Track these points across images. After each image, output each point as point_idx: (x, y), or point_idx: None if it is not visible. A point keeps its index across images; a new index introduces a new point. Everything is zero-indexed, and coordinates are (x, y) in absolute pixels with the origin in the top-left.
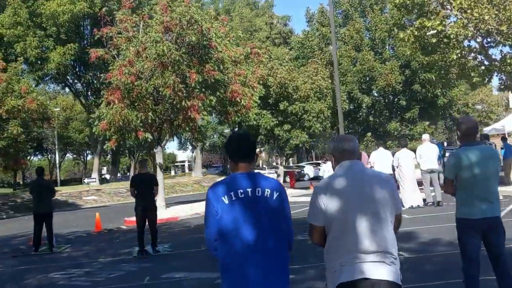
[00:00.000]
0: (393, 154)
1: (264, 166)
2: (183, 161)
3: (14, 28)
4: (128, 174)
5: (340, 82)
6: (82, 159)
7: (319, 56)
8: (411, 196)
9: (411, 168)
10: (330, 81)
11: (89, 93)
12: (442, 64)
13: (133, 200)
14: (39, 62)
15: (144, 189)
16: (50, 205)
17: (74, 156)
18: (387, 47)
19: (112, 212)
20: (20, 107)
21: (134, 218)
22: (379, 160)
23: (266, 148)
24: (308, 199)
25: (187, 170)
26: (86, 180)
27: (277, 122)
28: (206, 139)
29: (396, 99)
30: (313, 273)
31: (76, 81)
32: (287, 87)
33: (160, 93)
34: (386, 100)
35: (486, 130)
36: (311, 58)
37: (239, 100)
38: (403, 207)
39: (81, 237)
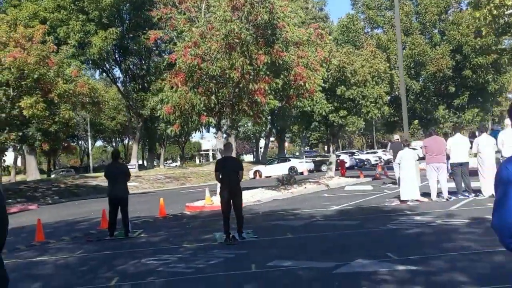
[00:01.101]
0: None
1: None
2: (207, 150)
3: (57, 12)
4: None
5: (389, 68)
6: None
7: (367, 41)
8: (491, 184)
9: (492, 155)
10: (388, 64)
11: (126, 79)
12: (497, 48)
13: (175, 186)
14: (81, 46)
15: (229, 174)
16: (126, 189)
17: (105, 143)
18: (436, 31)
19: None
20: (71, 91)
21: (196, 204)
22: (456, 146)
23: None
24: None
25: (211, 159)
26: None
27: (333, 107)
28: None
29: (444, 85)
30: None
31: (113, 67)
32: (345, 71)
33: (226, 76)
34: (435, 86)
35: None
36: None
37: (303, 84)
38: (483, 195)
39: (149, 222)
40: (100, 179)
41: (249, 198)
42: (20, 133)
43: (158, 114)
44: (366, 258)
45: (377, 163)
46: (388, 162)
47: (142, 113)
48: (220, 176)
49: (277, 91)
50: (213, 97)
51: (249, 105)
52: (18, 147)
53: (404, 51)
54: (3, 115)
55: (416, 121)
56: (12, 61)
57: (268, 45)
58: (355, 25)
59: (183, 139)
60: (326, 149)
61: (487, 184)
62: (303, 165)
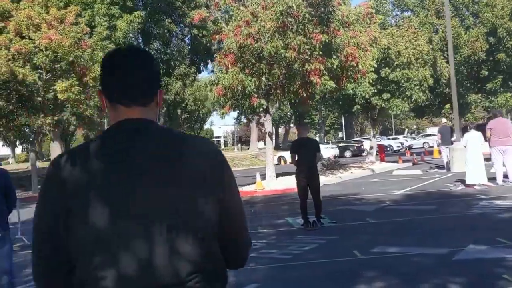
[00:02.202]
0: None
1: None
2: (219, 137)
3: None
4: None
5: (427, 52)
6: None
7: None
8: None
9: None
10: (431, 46)
11: None
12: None
13: None
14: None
15: (306, 155)
16: None
17: None
18: (469, 13)
19: None
20: None
21: (245, 189)
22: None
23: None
24: None
25: (222, 146)
26: None
27: (375, 90)
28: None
29: (477, 69)
30: None
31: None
32: (389, 53)
33: (281, 56)
34: (468, 70)
35: None
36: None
37: (355, 64)
38: None
39: None
40: None
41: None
42: (56, 117)
43: (209, 97)
44: (477, 244)
45: (399, 149)
46: (410, 147)
47: (166, 98)
48: (296, 158)
49: (328, 72)
50: (263, 78)
51: (302, 86)
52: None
53: (437, 34)
54: (39, 98)
55: (447, 106)
56: (48, 43)
57: (323, 23)
58: (383, 8)
59: (198, 125)
60: (340, 135)
61: None
62: (328, 151)
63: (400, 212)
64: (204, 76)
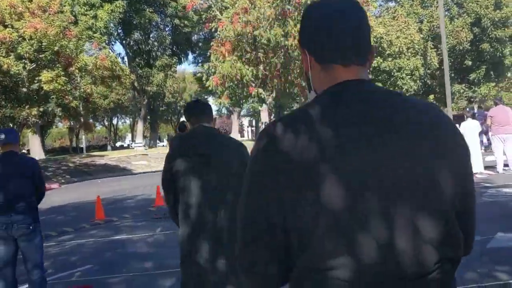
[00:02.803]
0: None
1: None
2: None
3: None
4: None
5: (418, 41)
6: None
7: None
8: None
9: None
10: (422, 35)
11: (129, 54)
12: None
13: None
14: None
15: None
16: None
17: (96, 122)
18: (453, 3)
19: None
20: (92, 64)
21: None
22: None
23: None
24: None
25: None
26: (133, 145)
27: None
28: None
29: (461, 59)
30: None
31: (114, 41)
32: (381, 42)
33: (279, 44)
34: (452, 60)
35: None
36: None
37: None
38: None
39: None
40: (107, 158)
41: None
42: (41, 109)
43: (206, 85)
44: (505, 232)
45: None
46: None
47: (148, 89)
48: None
49: None
50: (261, 66)
51: (301, 75)
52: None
53: (422, 24)
54: (24, 89)
55: (431, 96)
56: (33, 32)
57: None
58: None
59: (176, 118)
60: None
61: None
62: None
63: None
64: (184, 68)
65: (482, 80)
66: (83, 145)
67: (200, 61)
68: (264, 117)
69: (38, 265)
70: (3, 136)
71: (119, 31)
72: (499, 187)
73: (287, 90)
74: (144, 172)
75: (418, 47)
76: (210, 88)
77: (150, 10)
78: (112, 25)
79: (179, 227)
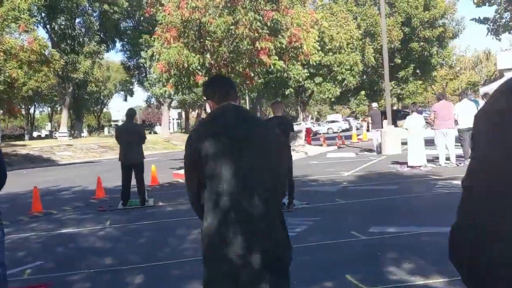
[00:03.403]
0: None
1: None
2: (117, 121)
3: None
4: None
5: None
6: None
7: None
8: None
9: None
10: (360, 32)
11: (54, 40)
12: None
13: (114, 156)
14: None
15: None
16: (141, 153)
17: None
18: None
19: (114, 168)
20: (19, 47)
21: (181, 171)
22: (464, 111)
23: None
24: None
25: None
26: (57, 135)
27: (308, 74)
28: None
29: (390, 57)
30: None
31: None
32: (323, 37)
33: (229, 32)
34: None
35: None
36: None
37: (299, 46)
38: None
39: (148, 191)
40: (29, 148)
41: None
42: None
43: (152, 72)
44: None
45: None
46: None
47: (73, 76)
48: None
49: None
50: (208, 55)
51: (250, 65)
52: None
53: (355, 21)
54: None
55: (363, 92)
56: None
57: (272, 1)
58: None
59: (100, 108)
60: None
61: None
62: None
63: (365, 192)
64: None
65: (410, 78)
66: None
67: (128, 49)
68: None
69: (1, 262)
70: None
71: (43, 14)
72: (447, 180)
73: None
74: (70, 163)
75: (357, 43)
76: (155, 74)
77: None
78: (36, 7)
79: (204, 217)
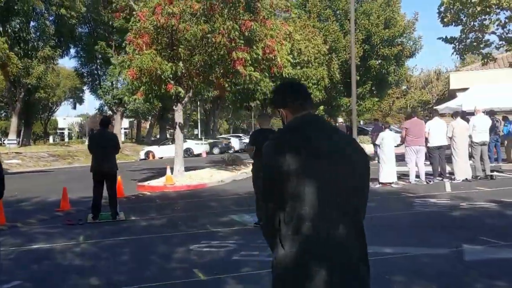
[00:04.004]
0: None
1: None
2: (63, 129)
3: None
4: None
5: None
6: None
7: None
8: (464, 168)
9: (465, 139)
10: (327, 47)
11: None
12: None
13: (63, 165)
14: None
15: None
16: (115, 163)
17: None
18: (346, 19)
19: (69, 178)
20: None
21: (151, 184)
22: (435, 129)
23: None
24: None
25: (66, 139)
26: (6, 142)
27: (275, 87)
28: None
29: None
30: None
31: None
32: (292, 50)
33: (204, 41)
34: (342, 74)
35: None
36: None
37: (273, 58)
38: (457, 179)
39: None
40: None
41: (207, 177)
42: None
43: (122, 78)
44: (469, 243)
45: None
46: None
47: (26, 82)
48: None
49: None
50: (180, 63)
51: (224, 75)
52: None
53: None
54: None
55: (321, 107)
56: None
57: (250, 10)
58: None
59: (47, 115)
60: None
61: (459, 168)
62: (200, 147)
63: None
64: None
65: (367, 95)
66: None
67: (82, 55)
68: (178, 118)
69: None
70: None
71: None
72: (424, 197)
73: (204, 90)
74: (20, 172)
75: (324, 58)
76: (126, 81)
77: None
78: None
79: (279, 245)
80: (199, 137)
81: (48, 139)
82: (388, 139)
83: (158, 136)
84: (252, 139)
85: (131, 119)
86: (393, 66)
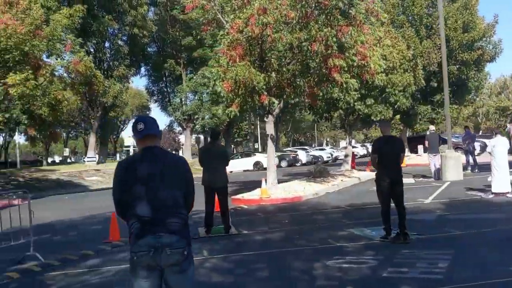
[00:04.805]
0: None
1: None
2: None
3: None
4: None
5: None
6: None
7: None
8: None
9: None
10: (411, 52)
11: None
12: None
13: None
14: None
15: (390, 156)
16: (226, 176)
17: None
18: (422, 25)
19: None
20: (64, 68)
21: (247, 197)
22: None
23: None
24: None
25: None
26: (86, 159)
27: (359, 95)
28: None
29: (427, 80)
30: None
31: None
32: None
33: (298, 49)
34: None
35: None
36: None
37: (365, 64)
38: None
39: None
40: (58, 173)
41: (301, 190)
42: (7, 115)
43: (217, 91)
44: None
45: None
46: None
47: (103, 101)
48: (377, 160)
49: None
50: (273, 74)
51: (319, 84)
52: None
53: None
54: None
55: (397, 116)
56: (3, 28)
57: (345, 16)
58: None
59: (116, 134)
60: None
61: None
62: None
63: (471, 222)
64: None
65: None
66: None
67: (151, 74)
68: (270, 129)
69: None
70: (142, 126)
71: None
72: None
73: (293, 101)
74: (102, 189)
75: (408, 63)
76: (221, 94)
77: (109, 17)
78: (69, 31)
79: None
80: (259, 150)
81: (115, 157)
82: (499, 146)
83: None
84: (376, 147)
85: (196, 135)
86: (473, 71)
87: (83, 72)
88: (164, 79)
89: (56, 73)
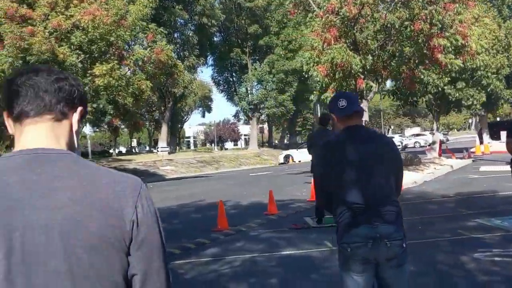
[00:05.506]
0: None
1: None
2: (189, 137)
3: None
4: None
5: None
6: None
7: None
8: None
9: None
10: (504, 32)
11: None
12: None
13: (212, 171)
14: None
15: None
16: None
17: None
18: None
19: (237, 183)
20: (146, 58)
21: None
22: None
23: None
24: None
25: (192, 147)
26: (159, 149)
27: (449, 78)
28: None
29: None
30: None
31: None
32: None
33: (399, 29)
34: None
35: None
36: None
37: (465, 44)
38: None
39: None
40: (135, 163)
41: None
42: (95, 105)
43: (311, 75)
44: None
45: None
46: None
47: (174, 91)
48: None
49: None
50: (369, 57)
51: (419, 65)
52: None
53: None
54: None
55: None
56: (91, 19)
57: None
58: None
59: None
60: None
61: None
62: (300, 154)
63: None
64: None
65: None
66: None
67: (217, 64)
68: (365, 116)
69: None
70: (344, 103)
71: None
72: None
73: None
74: (178, 178)
75: (500, 44)
76: (317, 78)
77: (180, 7)
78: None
79: None
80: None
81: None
82: None
83: (285, 141)
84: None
85: (260, 125)
86: None
87: (164, 61)
88: (229, 68)
89: (139, 63)
